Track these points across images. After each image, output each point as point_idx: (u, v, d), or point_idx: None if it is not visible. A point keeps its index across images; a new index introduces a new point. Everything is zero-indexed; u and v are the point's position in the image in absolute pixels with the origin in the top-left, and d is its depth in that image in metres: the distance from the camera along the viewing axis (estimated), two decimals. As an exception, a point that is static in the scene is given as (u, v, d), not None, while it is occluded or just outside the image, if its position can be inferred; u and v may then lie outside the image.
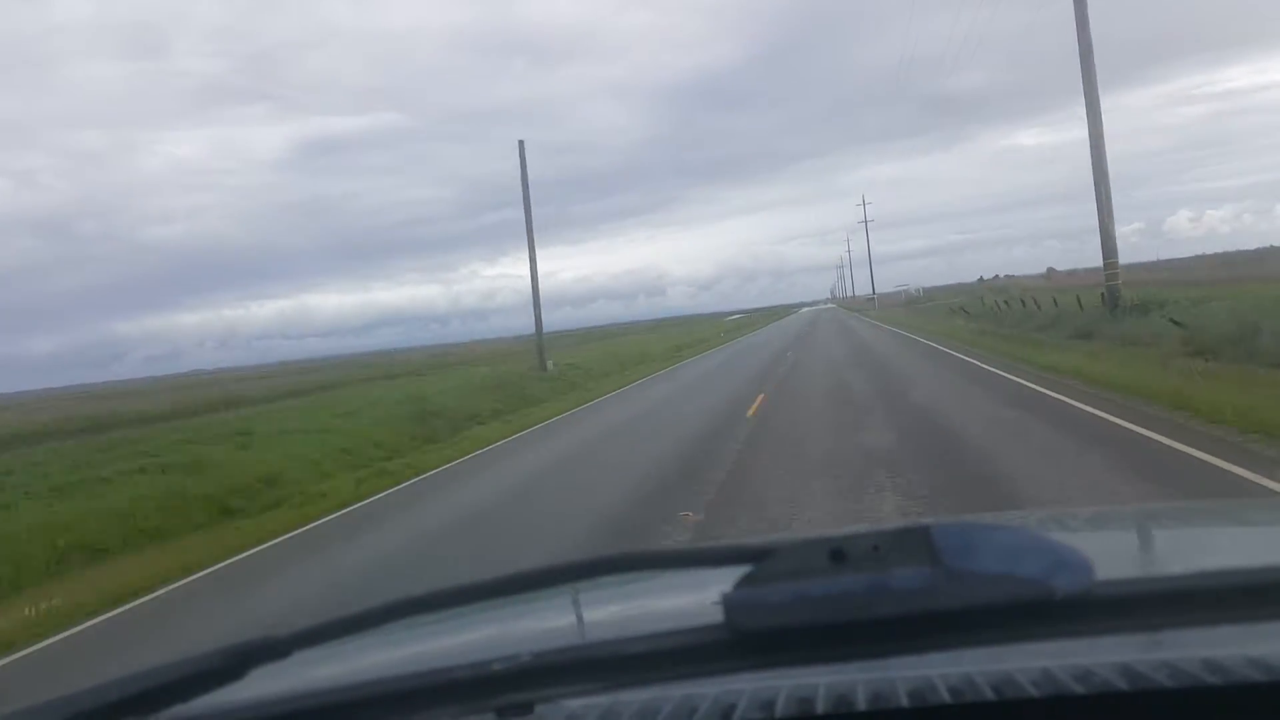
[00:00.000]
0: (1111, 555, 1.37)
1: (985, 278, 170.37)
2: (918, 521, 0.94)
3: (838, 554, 0.83)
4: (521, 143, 32.95)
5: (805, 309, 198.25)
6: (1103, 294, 27.90)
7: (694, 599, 1.08)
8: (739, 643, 0.81)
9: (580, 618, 1.40)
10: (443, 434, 20.62)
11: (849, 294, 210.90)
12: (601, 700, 0.95)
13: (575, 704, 0.94)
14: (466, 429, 20.90)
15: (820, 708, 0.88)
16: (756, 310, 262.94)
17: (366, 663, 1.18)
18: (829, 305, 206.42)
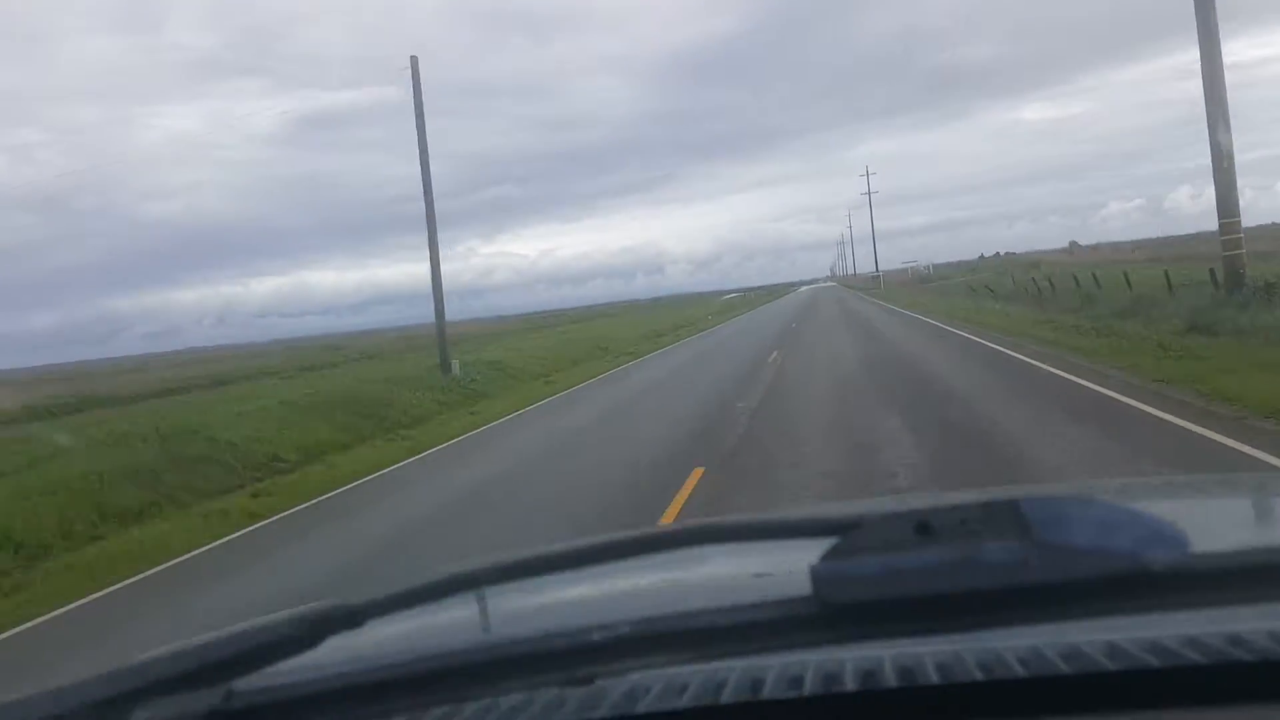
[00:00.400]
0: (1205, 528, 1.23)
1: (986, 254, 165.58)
2: (1005, 495, 0.88)
3: (924, 527, 0.81)
4: (414, 59, 24.22)
5: (804, 287, 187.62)
6: (1212, 270, 20.44)
7: (776, 572, 1.05)
8: (826, 616, 0.80)
9: (656, 590, 1.26)
10: (179, 501, 12.19)
11: (850, 271, 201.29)
12: (678, 672, 0.89)
13: (650, 675, 0.89)
14: (220, 497, 12.41)
15: (911, 680, 0.84)
16: (755, 289, 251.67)
17: (437, 633, 1.13)
18: (829, 283, 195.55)
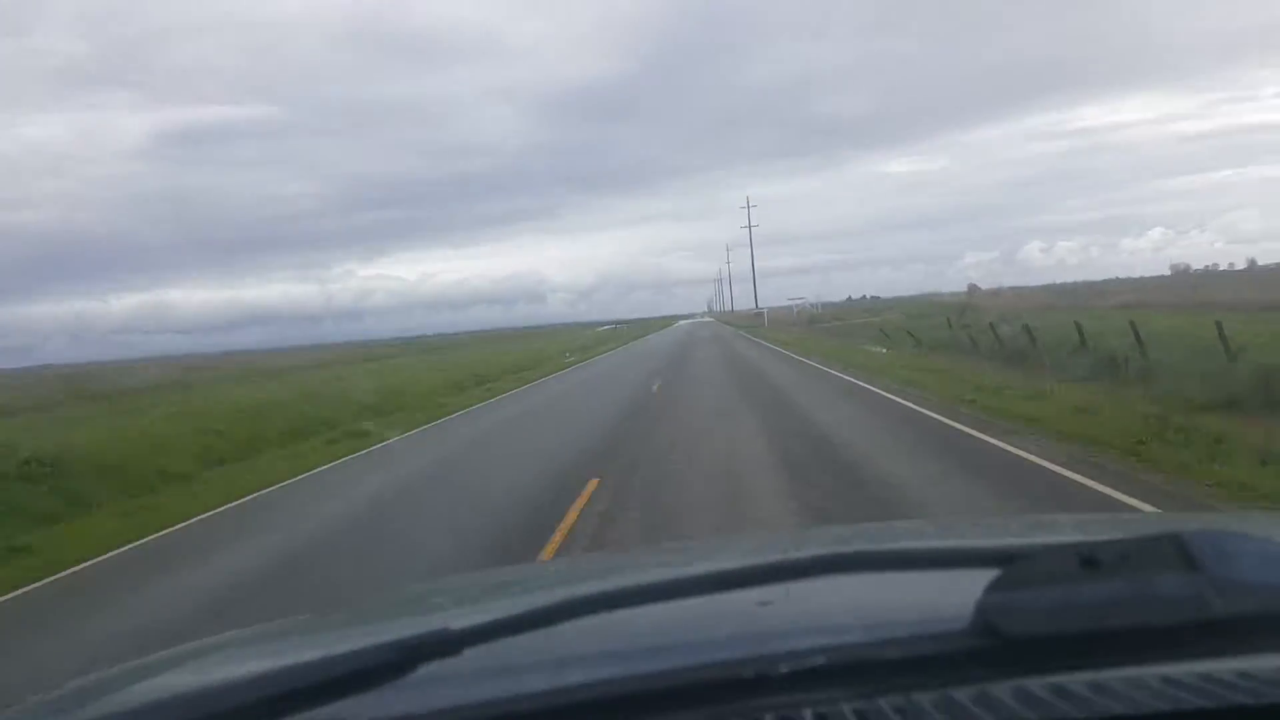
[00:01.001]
0: None
1: (854, 296, 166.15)
2: (1169, 528, 0.87)
3: (1089, 561, 0.81)
4: None
5: (682, 321, 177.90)
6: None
7: (932, 602, 0.98)
8: (1001, 648, 0.77)
9: (797, 619, 1.12)
10: None
11: (728, 308, 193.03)
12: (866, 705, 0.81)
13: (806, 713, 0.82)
14: None
15: (1084, 712, 0.78)
16: (633, 321, 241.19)
17: (543, 664, 1.03)
18: (706, 319, 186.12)
